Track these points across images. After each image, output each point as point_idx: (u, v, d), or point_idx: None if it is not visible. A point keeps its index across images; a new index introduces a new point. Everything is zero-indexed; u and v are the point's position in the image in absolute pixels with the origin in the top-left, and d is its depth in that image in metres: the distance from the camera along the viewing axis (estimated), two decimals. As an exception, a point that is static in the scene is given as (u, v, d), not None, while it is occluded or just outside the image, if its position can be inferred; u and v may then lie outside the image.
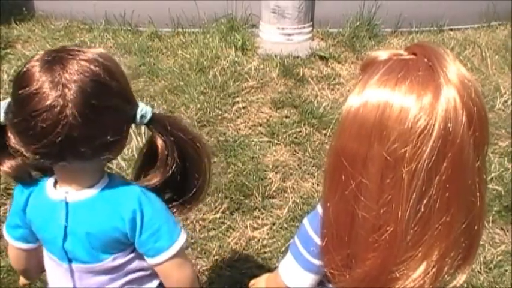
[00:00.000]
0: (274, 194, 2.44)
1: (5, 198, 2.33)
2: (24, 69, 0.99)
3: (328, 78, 3.44)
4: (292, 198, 2.41)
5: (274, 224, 2.26)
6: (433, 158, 0.79)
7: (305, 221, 1.07)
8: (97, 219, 1.09)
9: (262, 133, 2.87)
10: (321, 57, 3.67)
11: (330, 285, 1.10)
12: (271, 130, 2.86)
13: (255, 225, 2.27)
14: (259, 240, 2.19)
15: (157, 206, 1.13)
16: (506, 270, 2.07)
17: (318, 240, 1.02)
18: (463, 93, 0.80)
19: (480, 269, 2.06)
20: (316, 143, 2.80)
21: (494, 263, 2.09)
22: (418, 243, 0.86)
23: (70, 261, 1.14)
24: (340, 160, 0.88)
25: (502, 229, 2.29)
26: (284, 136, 2.82)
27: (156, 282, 1.21)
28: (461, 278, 0.94)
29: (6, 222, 1.23)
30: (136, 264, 1.17)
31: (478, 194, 0.86)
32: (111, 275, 1.15)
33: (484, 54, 3.85)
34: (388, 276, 0.89)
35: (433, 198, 0.82)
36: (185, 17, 3.99)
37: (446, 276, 0.90)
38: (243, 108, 3.08)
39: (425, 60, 0.83)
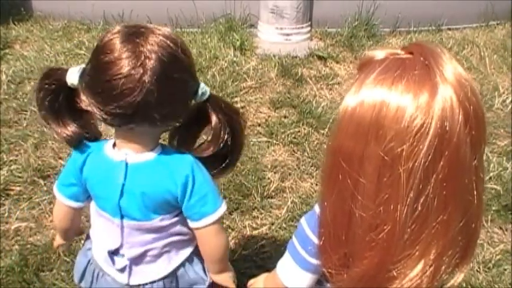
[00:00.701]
0: (273, 194, 2.44)
1: (3, 199, 2.33)
2: (105, 39, 1.10)
3: (327, 78, 3.44)
4: (291, 198, 2.41)
5: (273, 224, 2.26)
6: (430, 157, 0.80)
7: (303, 220, 1.08)
8: (152, 181, 1.20)
9: (260, 133, 2.87)
10: (320, 57, 3.67)
11: (328, 285, 1.10)
12: (269, 130, 2.87)
13: (254, 225, 2.27)
14: (257, 240, 2.19)
15: (206, 174, 1.25)
16: (505, 270, 2.07)
17: (315, 240, 1.03)
18: (459, 92, 0.80)
19: (479, 268, 2.06)
20: (315, 143, 2.80)
21: (493, 262, 2.09)
22: (416, 242, 0.86)
23: (122, 217, 1.25)
24: (338, 159, 0.89)
25: (501, 228, 2.29)
26: (283, 136, 2.82)
27: (190, 249, 1.33)
28: (459, 277, 0.94)
29: (58, 182, 1.35)
30: (179, 228, 1.28)
31: (475, 192, 0.87)
32: (157, 234, 1.26)
33: (482, 53, 3.86)
34: (385, 275, 0.89)
35: (430, 196, 0.82)
36: (183, 17, 3.99)
37: (443, 275, 0.90)
38: (242, 108, 3.08)
39: (422, 59, 0.83)
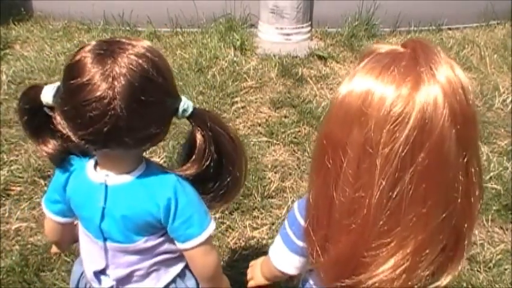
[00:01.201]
0: (274, 193, 2.44)
1: (4, 199, 2.33)
2: (76, 59, 1.03)
3: (327, 78, 3.44)
4: (291, 198, 2.41)
5: (273, 224, 2.26)
6: (408, 146, 0.80)
7: (295, 204, 1.12)
8: (133, 203, 1.15)
9: (261, 133, 2.87)
10: (320, 57, 3.67)
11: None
12: (270, 130, 2.87)
13: (254, 225, 2.27)
14: (258, 240, 2.19)
15: (190, 195, 1.18)
16: (505, 269, 2.07)
17: (302, 222, 1.06)
18: (446, 88, 0.80)
19: (479, 268, 2.06)
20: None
21: (493, 262, 2.09)
22: (391, 232, 0.87)
23: (105, 239, 1.20)
24: (325, 145, 0.91)
25: (501, 228, 2.29)
26: (283, 136, 2.82)
27: (181, 266, 1.28)
28: (446, 279, 0.93)
29: (45, 197, 1.30)
30: (166, 247, 1.23)
31: (460, 189, 0.86)
32: (142, 255, 1.22)
33: (482, 53, 3.86)
34: (359, 260, 0.90)
35: (407, 187, 0.83)
36: (184, 17, 3.99)
37: (424, 273, 0.89)
38: (242, 108, 3.08)
39: (411, 52, 0.85)
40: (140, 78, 1.02)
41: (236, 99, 3.14)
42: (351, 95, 0.86)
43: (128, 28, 4.02)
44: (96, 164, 1.19)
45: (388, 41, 4.01)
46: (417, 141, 0.80)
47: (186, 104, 1.13)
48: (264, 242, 2.18)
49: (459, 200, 0.87)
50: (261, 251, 2.13)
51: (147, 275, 1.24)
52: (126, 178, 1.15)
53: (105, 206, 1.16)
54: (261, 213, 2.32)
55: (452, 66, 0.84)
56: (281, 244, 1.15)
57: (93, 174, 1.18)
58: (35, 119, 1.16)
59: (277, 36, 3.93)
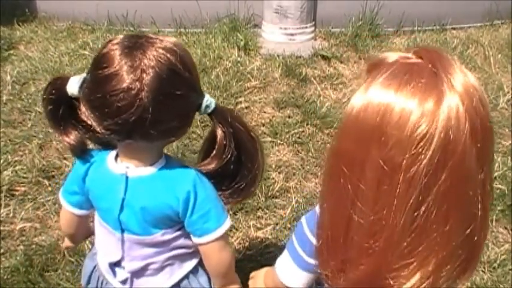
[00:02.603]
0: (277, 194, 2.44)
1: (8, 199, 2.33)
2: (104, 51, 1.07)
3: (331, 78, 3.44)
4: (295, 198, 2.41)
5: (277, 224, 2.26)
6: (432, 167, 0.78)
7: (303, 219, 1.08)
8: (153, 196, 1.17)
9: (265, 133, 2.87)
10: (324, 57, 3.67)
11: (327, 286, 1.10)
12: (274, 130, 2.86)
13: (258, 225, 2.27)
14: (262, 240, 2.19)
15: (209, 190, 1.20)
16: (510, 270, 2.06)
17: (313, 240, 1.03)
18: (467, 102, 0.78)
19: (484, 268, 2.06)
20: (319, 143, 2.80)
21: (497, 262, 2.08)
22: (414, 252, 0.84)
23: (123, 231, 1.22)
24: (339, 162, 0.87)
25: (506, 228, 2.29)
26: (287, 136, 2.82)
27: (195, 261, 1.30)
28: None
29: (63, 188, 1.32)
30: (182, 241, 1.25)
31: (479, 205, 0.84)
32: (158, 248, 1.23)
33: (486, 53, 3.85)
34: (381, 282, 0.88)
35: (430, 207, 0.80)
36: (187, 17, 3.99)
37: (443, 287, 0.88)
38: (246, 108, 3.08)
39: (430, 65, 0.81)
40: (168, 71, 1.05)
41: (240, 99, 3.14)
42: (366, 111, 0.82)
43: (131, 29, 4.02)
44: (117, 156, 1.21)
45: (392, 41, 4.01)
46: (440, 161, 0.77)
47: (209, 100, 1.16)
48: (268, 242, 2.17)
49: (479, 214, 0.85)
50: (265, 251, 2.13)
51: (161, 268, 1.26)
52: (147, 170, 1.18)
53: (125, 197, 1.18)
54: (265, 214, 2.32)
55: (467, 76, 0.81)
56: (289, 260, 1.11)
57: (114, 165, 1.20)
58: (59, 110, 1.18)
59: (281, 36, 3.93)
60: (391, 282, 0.87)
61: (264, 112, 3.06)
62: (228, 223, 1.22)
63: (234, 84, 3.25)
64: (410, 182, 0.79)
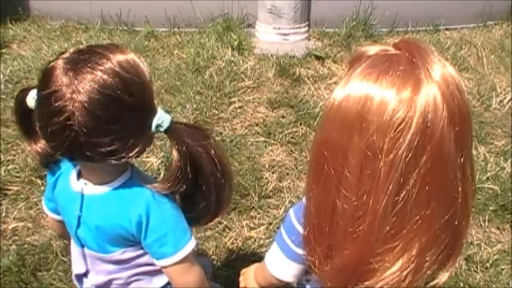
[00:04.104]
0: (271, 193, 2.44)
1: (1, 198, 2.32)
2: (50, 65, 1.02)
3: (325, 78, 3.44)
4: (288, 198, 2.41)
5: (270, 224, 2.26)
6: (412, 151, 0.80)
7: (291, 211, 1.10)
8: (106, 215, 1.14)
9: (258, 133, 2.87)
10: (317, 57, 3.68)
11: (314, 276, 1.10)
12: (267, 130, 2.86)
13: (252, 225, 2.27)
14: (255, 240, 2.19)
15: (166, 212, 1.13)
16: (502, 269, 2.07)
17: (300, 230, 1.04)
18: (444, 88, 0.80)
19: (476, 268, 2.06)
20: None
21: (490, 262, 2.09)
22: (397, 236, 0.86)
23: (82, 246, 1.22)
24: (323, 152, 0.90)
25: (498, 228, 2.30)
26: (280, 136, 2.82)
27: (166, 278, 1.24)
28: (443, 276, 0.94)
29: (44, 194, 1.33)
30: (147, 259, 1.20)
31: (460, 189, 0.87)
32: (121, 265, 1.20)
33: (480, 53, 3.86)
34: (366, 267, 0.90)
35: (411, 191, 0.83)
36: (181, 17, 3.99)
37: (427, 272, 0.90)
38: (239, 108, 3.08)
39: (408, 55, 0.84)
40: (101, 94, 0.98)
41: (233, 99, 3.14)
42: (348, 100, 0.85)
43: (125, 28, 4.02)
44: (79, 172, 1.18)
45: (386, 41, 4.01)
46: (420, 145, 0.80)
47: (161, 119, 1.07)
48: (261, 242, 2.18)
49: (459, 200, 0.87)
50: (258, 250, 2.13)
51: (127, 284, 1.23)
52: (102, 189, 1.14)
53: (81, 214, 1.16)
54: (258, 213, 2.32)
55: (445, 66, 0.84)
56: (278, 252, 1.13)
57: (74, 181, 1.18)
58: (25, 120, 1.15)
59: (274, 36, 3.93)
60: (376, 266, 0.89)
61: (258, 112, 3.06)
62: (190, 246, 1.15)
63: (228, 84, 3.25)
64: (391, 165, 0.82)
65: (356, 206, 0.87)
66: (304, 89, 3.31)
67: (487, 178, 2.53)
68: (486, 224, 2.29)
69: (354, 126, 0.84)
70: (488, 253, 2.13)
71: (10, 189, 2.38)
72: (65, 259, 1.99)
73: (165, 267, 1.17)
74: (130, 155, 1.06)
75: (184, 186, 1.13)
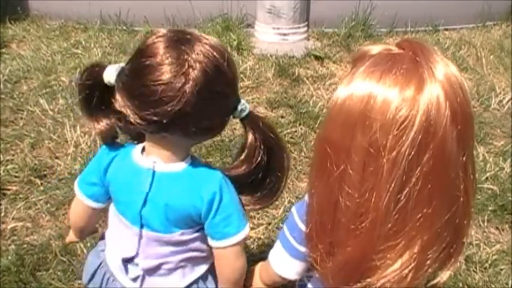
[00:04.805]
0: (270, 193, 2.43)
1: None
2: (149, 41, 1.06)
3: (324, 78, 3.44)
4: (287, 198, 2.40)
5: (270, 224, 2.26)
6: (414, 149, 0.81)
7: (293, 209, 1.11)
8: (178, 193, 1.15)
9: (257, 133, 2.86)
10: (317, 57, 3.68)
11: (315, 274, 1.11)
12: (266, 130, 2.86)
13: (251, 225, 2.26)
14: (255, 239, 2.19)
15: (233, 194, 1.19)
16: (501, 270, 2.07)
17: (303, 227, 1.05)
18: (447, 88, 0.81)
19: (475, 268, 2.06)
20: (312, 143, 2.79)
21: (489, 262, 2.09)
22: (399, 233, 0.87)
23: (142, 226, 1.20)
24: (326, 149, 0.90)
25: (497, 228, 2.30)
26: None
27: (205, 267, 1.27)
28: (445, 275, 0.95)
29: (79, 178, 1.29)
30: (198, 244, 1.22)
31: (462, 188, 0.87)
32: (175, 247, 1.21)
33: (479, 54, 3.87)
34: (368, 264, 0.90)
35: (414, 188, 0.83)
36: (180, 17, 3.99)
37: (428, 270, 0.90)
38: (239, 108, 3.07)
39: (411, 54, 0.85)
40: (214, 67, 1.04)
41: (233, 99, 3.14)
42: (351, 99, 0.85)
43: (124, 28, 4.02)
44: (143, 150, 1.19)
45: (385, 42, 4.01)
46: (422, 143, 0.81)
47: (244, 104, 1.15)
48: (261, 242, 2.17)
49: (461, 198, 0.88)
50: (257, 250, 2.13)
51: (174, 269, 1.23)
52: (175, 167, 1.16)
53: (150, 192, 1.16)
54: (258, 213, 2.32)
55: (448, 65, 0.84)
56: (281, 249, 1.14)
57: (140, 159, 1.18)
58: (93, 97, 1.17)
59: (274, 36, 3.93)
60: (378, 263, 0.89)
61: (257, 112, 3.05)
62: (247, 229, 1.19)
63: (227, 84, 3.25)
64: (394, 162, 0.82)
65: (358, 203, 0.88)
66: (303, 89, 3.31)
67: (486, 178, 2.53)
68: (485, 224, 2.29)
69: (357, 125, 0.84)
70: (487, 253, 2.13)
71: (9, 189, 2.37)
72: (64, 259, 1.99)
73: (223, 248, 1.18)
74: (215, 135, 1.16)
75: (256, 169, 1.21)
